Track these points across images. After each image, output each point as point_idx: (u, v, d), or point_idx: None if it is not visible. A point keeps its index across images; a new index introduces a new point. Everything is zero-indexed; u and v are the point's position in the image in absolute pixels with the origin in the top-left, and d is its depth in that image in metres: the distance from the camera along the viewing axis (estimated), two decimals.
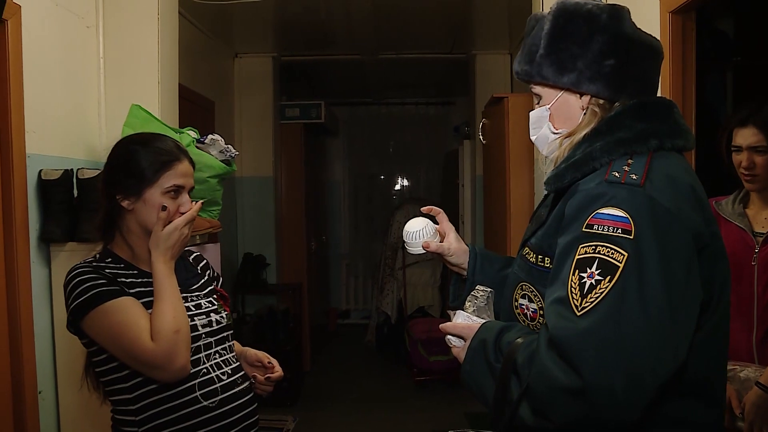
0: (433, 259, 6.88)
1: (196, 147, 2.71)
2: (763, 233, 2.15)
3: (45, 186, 2.45)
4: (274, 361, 1.92)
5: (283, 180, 6.20)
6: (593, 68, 1.29)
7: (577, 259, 1.15)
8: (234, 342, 1.88)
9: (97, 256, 1.73)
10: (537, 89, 1.40)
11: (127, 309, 1.59)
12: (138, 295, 1.64)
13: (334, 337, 7.70)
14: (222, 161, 2.80)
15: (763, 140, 2.14)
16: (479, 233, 5.55)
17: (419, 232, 1.62)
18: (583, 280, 1.12)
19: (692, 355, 1.15)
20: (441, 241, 1.65)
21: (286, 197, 6.21)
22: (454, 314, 1.43)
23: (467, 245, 1.66)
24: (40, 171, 2.45)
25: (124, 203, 1.67)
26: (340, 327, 8.13)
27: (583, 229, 1.17)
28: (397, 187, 8.83)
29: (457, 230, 1.69)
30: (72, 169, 2.54)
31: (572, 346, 1.09)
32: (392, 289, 7.02)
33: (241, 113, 5.90)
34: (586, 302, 1.11)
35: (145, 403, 1.64)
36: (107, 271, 1.66)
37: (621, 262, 1.10)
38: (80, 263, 1.68)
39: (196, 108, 4.69)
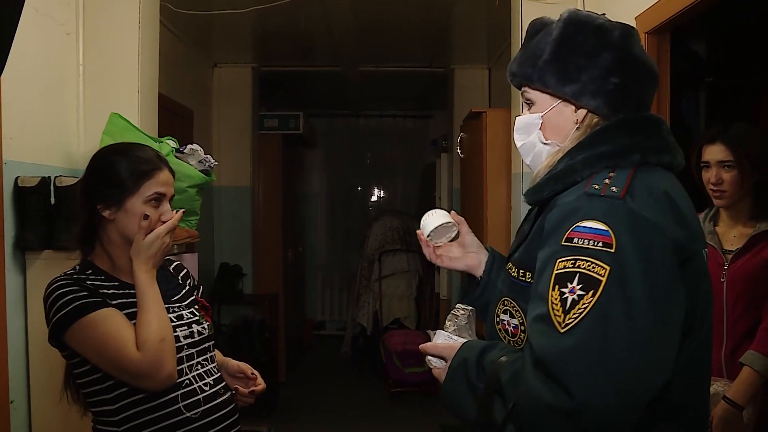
0: (410, 271, 6.99)
1: (175, 157, 2.71)
2: (732, 251, 2.20)
3: (22, 193, 2.43)
4: (257, 373, 1.92)
5: (261, 190, 6.19)
6: (597, 83, 1.27)
7: (556, 273, 1.12)
8: (216, 352, 1.88)
9: (77, 267, 1.72)
10: (532, 94, 1.37)
11: (110, 320, 1.58)
12: (120, 307, 1.63)
13: (310, 348, 7.67)
14: (201, 171, 2.79)
15: (730, 156, 2.19)
16: None
17: (447, 226, 1.61)
18: (565, 296, 1.09)
19: (677, 376, 1.12)
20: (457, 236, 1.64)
21: (263, 207, 6.20)
22: (434, 334, 1.40)
23: (486, 248, 1.65)
24: (17, 178, 2.43)
25: (105, 213, 1.67)
26: (316, 338, 8.11)
27: (562, 243, 1.14)
28: (374, 198, 8.86)
29: None
30: (49, 177, 2.52)
31: (558, 365, 1.06)
32: (368, 301, 7.02)
33: (219, 123, 5.88)
34: (569, 318, 1.07)
35: (127, 415, 1.63)
36: (88, 282, 1.65)
37: (603, 276, 1.08)
38: (60, 276, 1.67)
39: (175, 117, 4.67)
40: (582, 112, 1.32)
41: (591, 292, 1.08)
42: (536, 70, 1.32)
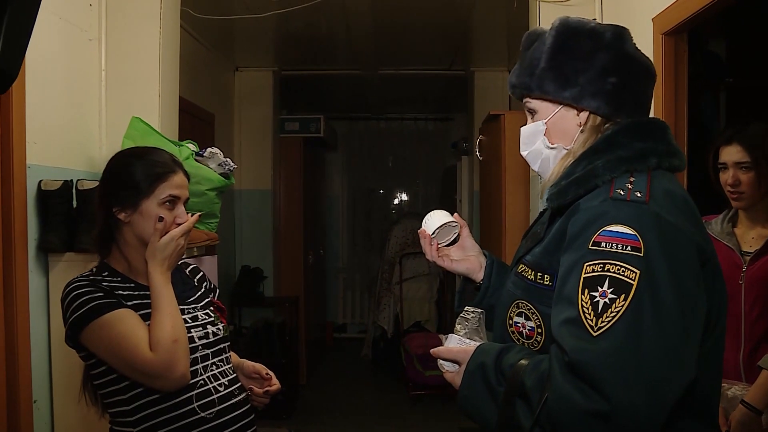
0: (430, 274, 6.99)
1: (195, 160, 2.74)
2: (750, 252, 2.18)
3: (44, 196, 2.47)
4: (272, 374, 1.94)
5: (282, 193, 6.23)
6: (595, 84, 1.29)
7: (585, 277, 1.13)
8: (231, 353, 1.90)
9: (94, 270, 1.75)
10: (533, 104, 1.38)
11: (125, 320, 1.61)
12: (135, 308, 1.66)
13: (330, 351, 7.70)
14: (220, 174, 2.82)
15: (747, 157, 2.17)
16: None
17: (445, 228, 1.62)
18: (596, 300, 1.10)
19: (698, 372, 1.14)
20: (456, 239, 1.64)
21: (284, 210, 6.24)
22: (446, 338, 1.40)
23: (484, 252, 1.65)
24: (40, 181, 2.47)
25: (121, 215, 1.70)
26: (337, 341, 8.14)
27: (589, 247, 1.15)
28: (396, 201, 8.87)
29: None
30: (71, 180, 2.56)
31: (594, 368, 1.06)
32: (389, 304, 7.02)
33: (240, 126, 5.94)
34: (602, 322, 1.08)
35: (142, 415, 1.65)
36: (104, 284, 1.68)
37: (634, 280, 1.09)
38: (77, 277, 1.70)
39: (196, 121, 4.72)
40: (584, 114, 1.33)
41: (623, 296, 1.09)
42: (534, 78, 1.35)
